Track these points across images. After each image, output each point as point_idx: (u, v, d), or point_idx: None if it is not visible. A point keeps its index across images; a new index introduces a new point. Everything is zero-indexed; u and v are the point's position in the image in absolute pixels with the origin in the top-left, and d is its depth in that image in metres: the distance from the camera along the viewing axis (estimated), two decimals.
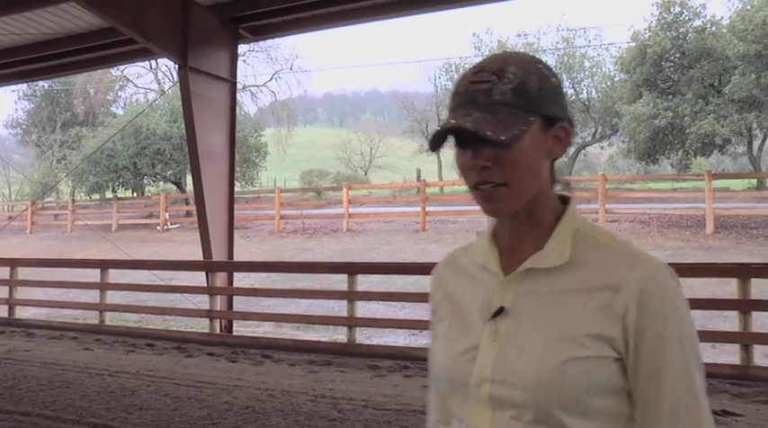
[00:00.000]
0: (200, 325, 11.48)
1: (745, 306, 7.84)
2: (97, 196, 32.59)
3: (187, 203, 27.23)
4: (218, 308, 10.78)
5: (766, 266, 9.19)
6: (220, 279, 10.77)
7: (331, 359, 9.00)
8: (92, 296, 12.40)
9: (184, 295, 12.06)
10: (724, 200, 19.89)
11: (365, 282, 10.73)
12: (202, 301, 11.31)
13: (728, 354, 7.95)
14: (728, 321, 7.68)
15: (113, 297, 12.55)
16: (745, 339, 7.77)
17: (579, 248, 1.20)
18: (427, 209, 21.12)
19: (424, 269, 10.07)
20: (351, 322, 9.61)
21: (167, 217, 26.37)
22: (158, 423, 5.94)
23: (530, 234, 1.24)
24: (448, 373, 1.26)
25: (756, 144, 23.52)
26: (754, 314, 7.89)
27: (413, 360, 8.85)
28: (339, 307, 9.95)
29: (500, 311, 1.21)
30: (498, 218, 1.27)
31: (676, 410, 1.13)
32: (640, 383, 1.15)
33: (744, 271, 8.08)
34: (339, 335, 10.08)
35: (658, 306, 1.13)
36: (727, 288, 7.83)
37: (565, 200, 1.27)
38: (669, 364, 1.13)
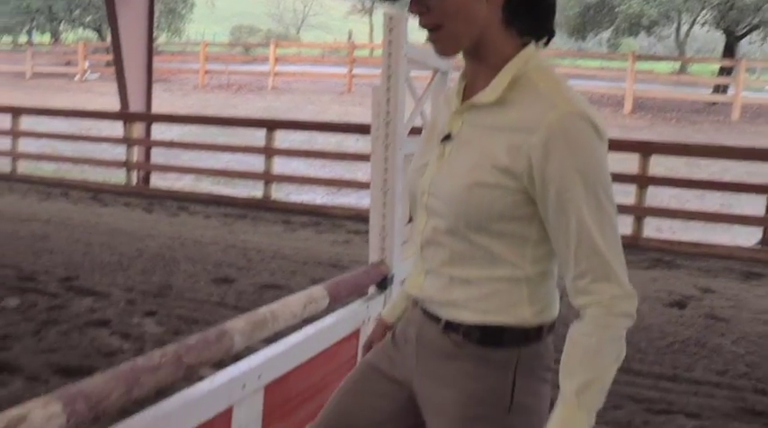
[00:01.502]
0: (118, 178, 11.41)
1: (642, 181, 8.31)
2: (9, 40, 30.77)
3: (108, 52, 25.96)
4: (136, 159, 10.70)
5: (667, 145, 9.73)
6: (137, 130, 10.62)
7: (246, 213, 9.18)
8: (3, 144, 12.06)
9: (102, 145, 11.88)
10: (646, 82, 20.38)
11: (287, 141, 10.77)
12: (120, 154, 11.19)
13: (625, 226, 8.48)
14: (630, 197, 8.16)
15: (28, 145, 12.24)
16: (639, 212, 8.28)
17: (516, 91, 1.30)
18: (355, 71, 20.90)
19: (346, 129, 10.18)
20: (268, 177, 9.73)
21: (86, 66, 25.27)
22: (68, 267, 6.05)
23: (482, 73, 1.36)
24: (409, 185, 1.50)
25: (684, 28, 23.83)
26: (650, 189, 8.39)
27: (327, 217, 9.12)
28: (260, 164, 10.01)
29: (448, 136, 1.37)
30: (447, 58, 1.41)
31: (591, 254, 1.23)
32: (550, 218, 1.28)
33: (645, 148, 8.50)
34: (257, 192, 10.20)
35: (563, 147, 1.22)
36: (635, 165, 8.25)
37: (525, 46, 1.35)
38: (573, 201, 1.23)
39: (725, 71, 20.96)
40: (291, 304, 2.38)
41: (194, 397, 1.96)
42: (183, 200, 9.92)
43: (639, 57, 20.52)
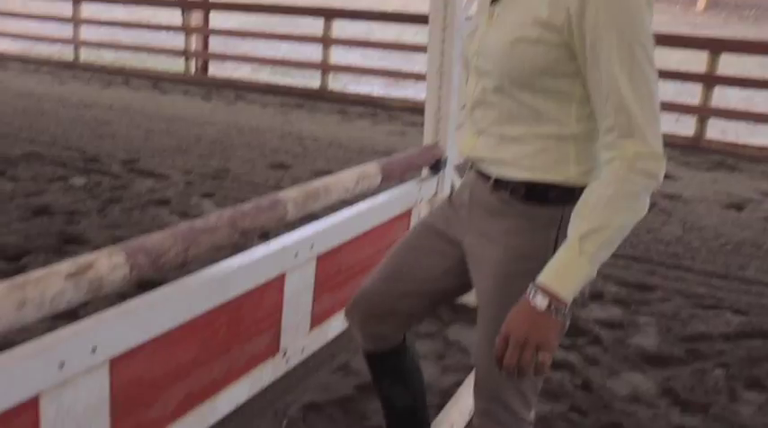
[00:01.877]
0: (177, 67, 11.47)
1: (709, 80, 7.97)
2: None
3: None
4: (194, 48, 10.73)
5: (739, 42, 9.15)
6: (195, 18, 10.59)
7: (303, 102, 9.20)
8: (66, 31, 12.19)
9: (160, 34, 11.91)
10: None
11: (345, 31, 10.61)
12: (179, 43, 11.21)
13: (687, 127, 8.22)
14: (695, 97, 7.87)
15: (89, 33, 12.35)
16: (704, 112, 8.00)
17: None
18: None
19: (405, 19, 9.94)
20: (325, 68, 9.67)
21: None
22: (129, 150, 6.22)
23: None
24: (464, 51, 1.50)
25: None
26: (718, 89, 8.05)
27: (383, 108, 9.08)
28: (317, 54, 9.93)
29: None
30: None
31: (621, 107, 1.21)
32: (587, 72, 1.27)
33: (715, 46, 8.09)
34: (314, 82, 10.17)
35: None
36: (703, 64, 7.91)
37: None
38: (605, 54, 1.21)
39: None
40: (344, 179, 2.42)
41: (249, 261, 2.04)
42: (241, 89, 9.98)
43: None
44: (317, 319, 2.50)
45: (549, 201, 1.36)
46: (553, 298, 1.21)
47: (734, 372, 2.97)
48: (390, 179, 2.73)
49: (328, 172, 5.74)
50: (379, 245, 2.84)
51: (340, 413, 2.49)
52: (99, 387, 1.62)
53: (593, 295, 3.71)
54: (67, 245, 3.85)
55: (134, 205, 4.65)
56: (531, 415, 1.54)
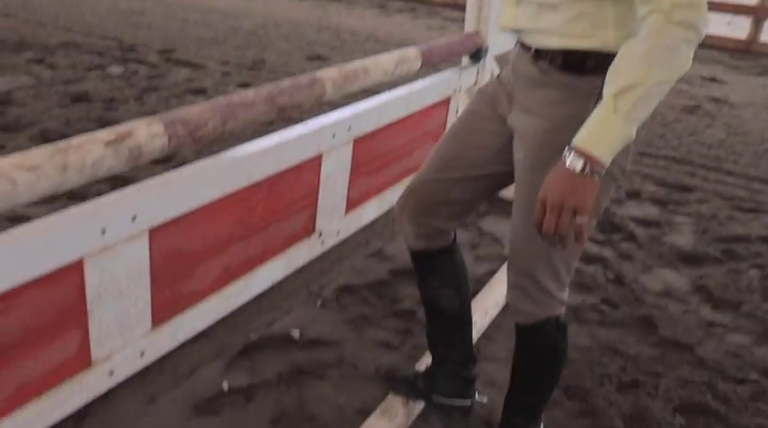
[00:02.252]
0: None
1: None
2: None
3: None
4: None
5: None
6: None
7: None
8: None
9: None
10: None
11: None
12: None
13: (741, 29, 7.87)
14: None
15: None
16: (760, 13, 7.63)
17: None
18: None
19: None
20: None
21: None
22: (165, 40, 6.17)
23: None
24: None
25: None
26: None
27: (423, 3, 8.83)
28: None
29: None
30: None
31: None
32: None
33: None
34: None
35: None
36: None
37: None
38: None
39: None
40: (383, 61, 2.37)
41: (287, 139, 2.04)
42: None
43: None
44: (353, 203, 2.51)
45: (587, 70, 1.31)
46: (588, 159, 1.18)
47: None
48: (429, 64, 2.68)
49: None
50: (416, 132, 2.81)
51: (373, 296, 2.54)
52: (139, 255, 1.66)
53: (630, 193, 3.67)
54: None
55: (171, 94, 4.65)
56: (564, 295, 1.55)
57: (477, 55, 3.05)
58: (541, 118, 1.37)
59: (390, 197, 2.77)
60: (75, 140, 1.43)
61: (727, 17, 8.17)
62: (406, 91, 2.60)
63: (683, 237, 3.23)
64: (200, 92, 4.74)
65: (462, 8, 8.63)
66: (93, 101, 4.41)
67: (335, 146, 2.27)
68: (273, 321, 2.32)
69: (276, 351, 2.20)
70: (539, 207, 1.24)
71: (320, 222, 2.35)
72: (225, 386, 2.02)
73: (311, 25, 7.16)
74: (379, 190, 2.68)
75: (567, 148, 1.21)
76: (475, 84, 3.11)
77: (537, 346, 1.60)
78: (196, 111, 1.69)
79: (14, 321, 1.41)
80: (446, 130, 1.71)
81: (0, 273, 1.34)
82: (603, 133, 1.18)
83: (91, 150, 1.42)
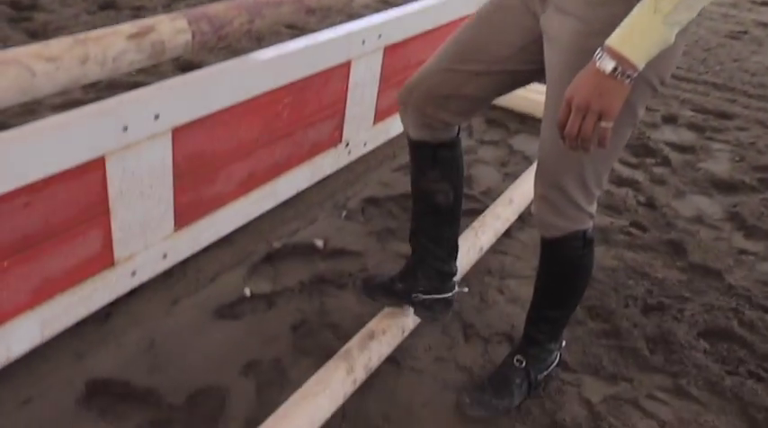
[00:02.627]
0: None
1: None
2: None
3: None
4: None
5: None
6: None
7: None
8: None
9: None
10: None
11: None
12: None
13: None
14: None
15: None
16: None
17: None
18: None
19: None
20: None
21: None
22: None
23: None
24: None
25: None
26: None
27: None
28: None
29: None
30: None
31: None
32: None
33: None
34: None
35: None
36: None
37: None
38: None
39: None
40: None
41: (316, 43, 1.97)
42: None
43: None
44: (381, 114, 2.46)
45: None
46: (621, 60, 1.11)
47: None
48: None
49: None
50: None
51: (398, 209, 2.51)
52: (162, 154, 1.63)
53: (666, 118, 3.55)
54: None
55: (200, 1, 4.54)
56: (592, 208, 1.50)
57: None
58: (579, 20, 1.29)
59: None
60: (96, 33, 1.38)
61: None
62: (437, 1, 2.49)
63: (719, 164, 3.14)
64: None
65: None
66: (121, 8, 4.32)
67: (365, 53, 2.19)
68: (297, 230, 2.31)
69: (299, 259, 2.20)
70: (564, 107, 1.17)
71: (347, 132, 2.31)
72: (247, 292, 2.02)
73: None
74: None
75: (599, 49, 1.14)
76: None
77: (562, 260, 1.56)
78: (222, 7, 1.63)
79: (38, 215, 1.41)
80: (466, 21, 1.59)
81: (22, 167, 1.32)
82: (640, 34, 1.10)
83: (112, 43, 1.38)
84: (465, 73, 1.51)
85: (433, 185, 1.69)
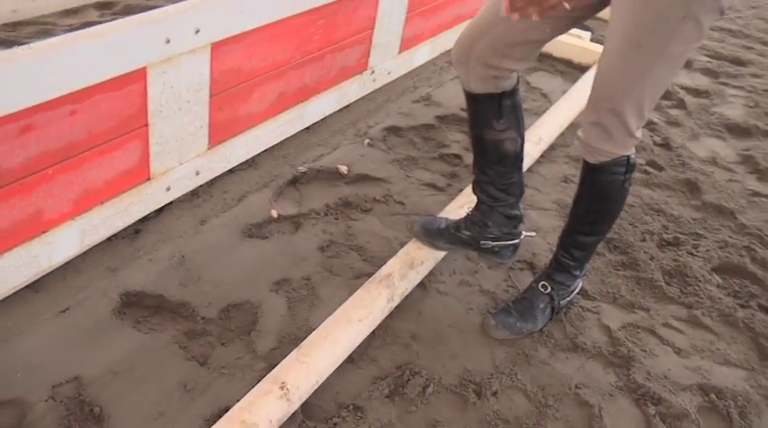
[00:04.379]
0: None
1: None
2: None
3: None
4: None
5: None
6: None
7: None
8: None
9: None
10: None
11: None
12: None
13: None
14: None
15: None
16: None
17: None
18: None
19: None
20: None
21: None
22: None
23: None
24: None
25: None
26: None
27: None
28: None
29: None
30: None
31: None
32: None
33: None
34: None
35: None
36: None
37: None
38: None
39: None
40: None
41: None
42: None
43: None
44: (407, 44, 2.45)
45: None
46: None
47: None
48: None
49: None
50: None
51: (420, 138, 2.52)
52: (201, 69, 1.64)
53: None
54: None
55: None
56: (640, 133, 1.54)
57: None
58: None
59: (442, 41, 2.69)
60: None
61: None
62: None
63: (733, 109, 3.16)
64: None
65: None
66: None
67: None
68: (321, 156, 2.33)
69: (324, 184, 2.22)
70: None
71: (373, 60, 2.30)
72: (274, 213, 2.05)
73: None
74: (432, 33, 2.61)
75: None
76: None
77: (606, 186, 1.60)
78: None
79: (82, 124, 1.42)
80: None
81: (68, 74, 1.33)
82: None
83: None
84: (545, 24, 1.50)
85: (501, 134, 1.71)
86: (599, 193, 1.64)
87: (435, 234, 1.87)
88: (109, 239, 1.79)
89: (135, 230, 1.87)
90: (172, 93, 1.59)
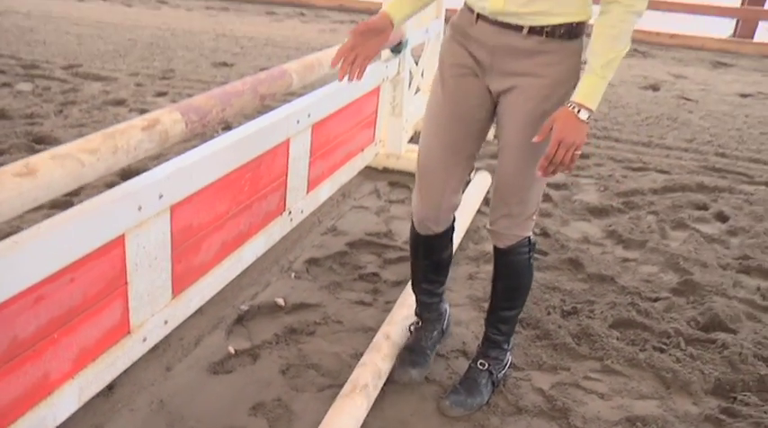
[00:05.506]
0: None
1: None
2: None
3: None
4: None
5: None
6: None
7: (228, 5, 9.12)
8: None
9: None
10: None
11: None
12: None
13: None
14: None
15: None
16: None
17: None
18: None
19: None
20: None
21: None
22: (66, 56, 6.14)
23: None
24: None
25: None
26: None
27: (309, 8, 9.11)
28: None
29: None
30: None
31: None
32: None
33: None
34: None
35: None
36: None
37: None
38: None
39: None
40: (331, 54, 2.66)
41: (266, 125, 2.31)
42: None
43: None
44: (312, 183, 2.79)
45: (578, 35, 1.74)
46: (589, 110, 1.63)
47: (663, 217, 3.46)
48: None
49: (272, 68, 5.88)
50: (355, 118, 3.13)
51: (337, 265, 2.83)
52: (164, 229, 1.89)
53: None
54: (38, 144, 3.95)
55: (91, 106, 4.72)
56: (536, 217, 1.98)
57: (398, 48, 3.39)
58: (543, 77, 1.74)
59: (339, 178, 3.06)
60: (119, 127, 1.65)
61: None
62: (345, 83, 2.89)
63: (590, 195, 3.70)
64: (120, 102, 4.84)
65: (350, 11, 8.96)
66: (14, 117, 4.42)
67: (299, 131, 2.54)
68: (257, 293, 2.57)
69: (267, 317, 2.46)
70: (554, 145, 1.62)
71: (289, 201, 2.61)
72: (231, 350, 2.26)
73: (208, 34, 7.30)
74: (331, 171, 2.97)
75: (571, 103, 1.63)
76: (398, 73, 3.45)
77: (515, 264, 1.97)
78: (202, 99, 1.94)
79: (78, 290, 1.61)
80: (430, 117, 1.96)
81: (68, 248, 1.54)
82: (596, 93, 1.64)
83: (133, 134, 1.65)
84: (458, 162, 1.93)
85: (444, 254, 2.15)
86: (512, 272, 2.01)
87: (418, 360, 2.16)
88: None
89: (108, 386, 2.01)
90: (144, 253, 1.82)
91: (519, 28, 1.73)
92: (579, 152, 1.65)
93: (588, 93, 1.65)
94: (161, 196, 1.82)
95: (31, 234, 1.48)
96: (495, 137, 1.93)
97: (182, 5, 9.08)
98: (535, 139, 1.68)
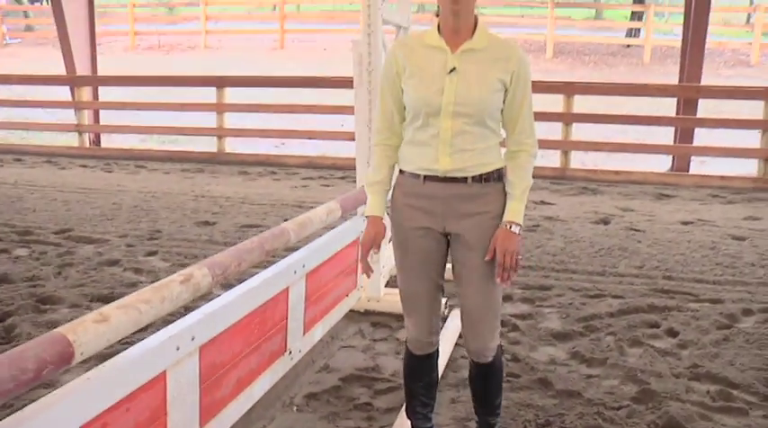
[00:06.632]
0: (66, 141, 11.66)
1: (567, 118, 9.19)
2: None
3: (26, 16, 25.59)
4: (86, 123, 11.02)
5: (589, 85, 10.71)
6: (86, 93, 10.91)
7: (203, 167, 9.73)
8: None
9: (47, 111, 12.09)
10: (565, 28, 21.39)
11: (230, 96, 11.12)
12: (66, 118, 11.45)
13: (553, 160, 9.35)
14: (557, 133, 9.03)
15: None
16: (566, 146, 9.18)
17: (489, 39, 2.23)
18: (286, 26, 21.27)
19: (288, 82, 10.77)
20: (220, 132, 10.25)
21: (5, 30, 24.63)
22: (57, 221, 6.54)
23: (463, 29, 2.20)
24: (425, 101, 2.21)
25: None
26: (575, 125, 9.27)
27: (279, 166, 9.75)
28: (206, 120, 10.52)
29: (453, 69, 2.21)
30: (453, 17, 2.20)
31: (525, 125, 2.29)
32: (514, 108, 2.26)
33: (569, 89, 9.38)
34: (208, 146, 10.68)
35: (524, 69, 2.25)
36: (560, 105, 9.12)
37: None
38: (525, 100, 2.27)
39: (636, 16, 22.11)
40: (319, 213, 3.13)
41: (270, 276, 2.70)
42: (139, 159, 10.36)
43: (558, 4, 21.16)
44: (308, 325, 3.16)
45: (501, 178, 2.31)
46: (519, 226, 2.25)
47: (620, 336, 3.86)
48: (346, 211, 3.46)
49: (252, 225, 6.35)
50: (340, 267, 3.55)
51: (334, 398, 3.14)
52: (195, 366, 2.23)
53: (504, 297, 4.53)
54: (44, 304, 4.27)
55: (87, 267, 5.07)
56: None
57: None
58: (489, 213, 2.26)
59: (329, 320, 3.43)
60: (163, 281, 2.03)
61: (540, 151, 9.66)
62: (331, 235, 3.35)
63: (553, 322, 4.10)
64: (114, 263, 5.20)
65: (318, 167, 9.58)
66: (16, 281, 4.74)
67: (296, 279, 2.94)
68: (265, 426, 2.86)
69: None
70: (500, 255, 2.18)
71: (289, 342, 2.97)
72: None
73: (187, 195, 7.80)
74: (323, 314, 3.35)
75: (505, 223, 2.21)
76: None
77: (491, 367, 2.41)
78: (222, 257, 2.34)
79: (130, 418, 1.93)
80: (402, 269, 2.39)
81: (125, 383, 1.88)
82: (520, 212, 2.25)
83: (174, 288, 2.03)
84: (434, 285, 2.41)
85: (435, 373, 2.56)
86: (488, 375, 2.44)
87: None
88: None
89: None
90: (179, 388, 2.14)
91: (464, 179, 2.25)
92: (519, 257, 2.21)
93: (515, 213, 2.25)
94: (193, 338, 2.17)
95: (97, 372, 1.81)
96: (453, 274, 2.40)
97: (159, 169, 9.67)
98: (487, 258, 2.23)
